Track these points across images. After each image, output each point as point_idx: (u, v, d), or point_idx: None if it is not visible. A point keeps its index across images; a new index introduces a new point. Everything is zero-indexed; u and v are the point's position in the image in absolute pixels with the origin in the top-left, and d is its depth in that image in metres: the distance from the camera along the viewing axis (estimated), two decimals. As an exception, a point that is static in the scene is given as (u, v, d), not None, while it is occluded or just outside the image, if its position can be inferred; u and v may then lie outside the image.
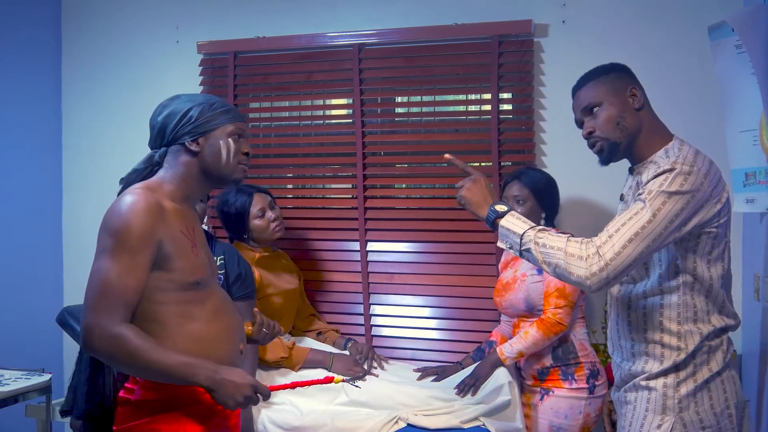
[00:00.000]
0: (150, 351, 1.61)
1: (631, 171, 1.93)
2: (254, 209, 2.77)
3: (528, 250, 1.76)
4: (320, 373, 2.62)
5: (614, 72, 1.89)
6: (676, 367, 1.80)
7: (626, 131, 1.86)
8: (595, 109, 1.87)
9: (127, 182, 1.81)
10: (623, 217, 1.71)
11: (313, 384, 1.90)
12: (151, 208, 1.66)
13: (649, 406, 1.82)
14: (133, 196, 1.66)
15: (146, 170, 1.82)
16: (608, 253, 1.67)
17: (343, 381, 1.91)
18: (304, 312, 2.98)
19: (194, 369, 1.64)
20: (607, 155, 1.89)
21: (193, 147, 1.77)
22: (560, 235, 1.75)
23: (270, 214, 2.79)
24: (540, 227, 1.78)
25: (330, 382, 1.87)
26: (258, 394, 1.70)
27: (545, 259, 1.73)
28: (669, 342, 1.81)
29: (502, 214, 1.80)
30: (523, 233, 1.77)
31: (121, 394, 1.76)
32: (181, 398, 1.71)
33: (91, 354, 1.66)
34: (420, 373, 2.71)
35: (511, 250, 1.81)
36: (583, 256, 1.69)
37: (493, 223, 1.81)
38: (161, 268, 1.68)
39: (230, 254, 2.58)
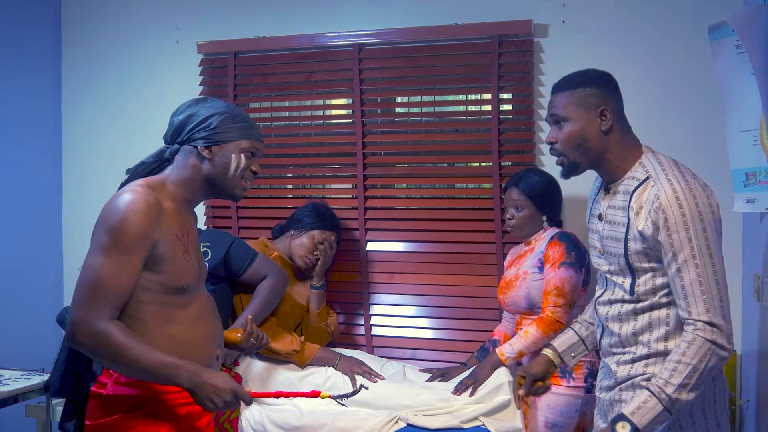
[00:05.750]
0: (133, 349, 1.62)
1: (607, 190, 1.90)
2: (317, 236, 2.81)
3: (681, 405, 1.70)
4: (320, 375, 2.63)
5: (592, 87, 1.85)
6: None
7: (586, 153, 1.85)
8: (561, 122, 1.86)
9: (133, 174, 1.82)
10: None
11: (297, 396, 1.88)
12: (150, 208, 1.66)
13: None
14: (132, 194, 1.67)
15: (155, 164, 1.82)
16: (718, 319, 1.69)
17: (330, 397, 1.85)
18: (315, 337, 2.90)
19: (176, 370, 1.65)
20: (566, 171, 1.90)
21: (205, 153, 1.78)
22: (677, 365, 1.70)
23: (317, 253, 2.82)
24: (654, 388, 1.71)
25: (316, 397, 1.83)
26: (238, 400, 1.70)
27: (697, 385, 1.69)
28: (674, 347, 1.80)
29: (632, 425, 1.70)
30: (657, 404, 1.69)
31: (93, 387, 1.77)
32: (153, 396, 1.72)
33: (75, 347, 1.67)
34: (427, 375, 2.71)
35: (665, 421, 1.73)
36: (703, 346, 1.68)
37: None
38: (151, 269, 1.69)
39: (213, 237, 2.64)
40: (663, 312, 1.81)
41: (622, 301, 1.87)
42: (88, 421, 1.76)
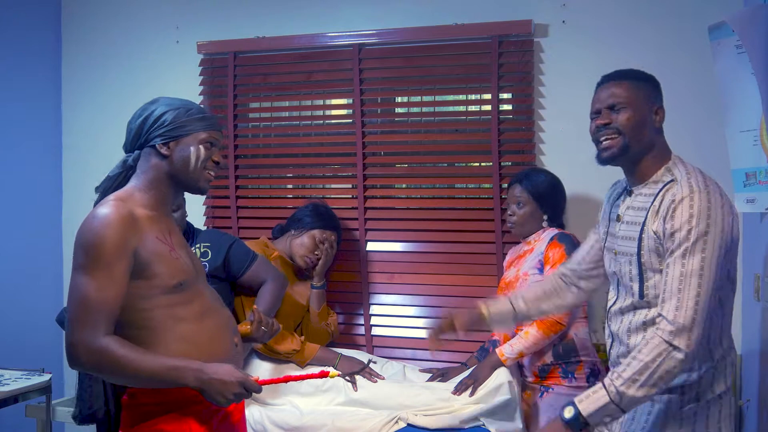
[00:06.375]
0: (135, 360, 1.62)
1: (630, 193, 1.87)
2: (318, 236, 2.81)
3: (630, 400, 1.68)
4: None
5: (648, 83, 1.85)
6: (682, 387, 1.78)
7: (641, 141, 1.80)
8: (620, 109, 1.80)
9: (103, 190, 1.82)
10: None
11: (306, 378, 1.87)
12: (122, 219, 1.65)
13: (650, 418, 1.82)
14: (104, 209, 1.67)
15: (120, 176, 1.82)
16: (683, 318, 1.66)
17: (338, 376, 1.85)
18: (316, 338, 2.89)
19: (181, 372, 1.65)
20: (614, 152, 1.81)
21: (164, 150, 1.76)
22: (631, 360, 1.68)
23: (317, 252, 2.82)
24: (606, 380, 1.70)
25: (325, 377, 1.84)
26: (247, 390, 1.69)
27: (648, 383, 1.66)
28: None
29: (576, 410, 1.70)
30: (605, 395, 1.68)
31: (124, 398, 1.77)
32: (183, 399, 1.72)
33: (78, 369, 1.68)
34: (427, 375, 2.71)
35: (618, 417, 1.74)
36: (659, 346, 1.66)
37: (579, 421, 1.70)
38: (141, 276, 1.68)
39: (213, 238, 2.65)
40: None
41: (633, 308, 1.84)
42: (122, 430, 1.76)
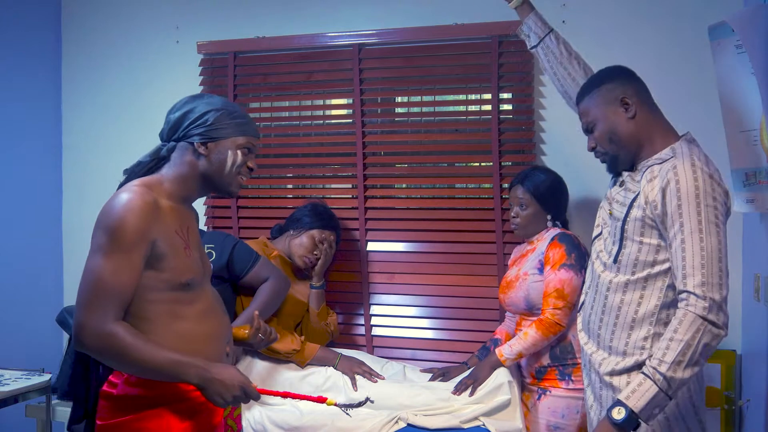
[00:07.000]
0: (141, 349, 1.63)
1: (632, 168, 1.92)
2: (317, 236, 2.81)
3: (678, 384, 1.65)
4: (320, 375, 2.63)
5: (606, 83, 1.90)
6: (639, 367, 1.78)
7: (621, 143, 1.88)
8: (593, 128, 1.92)
9: (130, 173, 1.82)
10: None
11: (304, 399, 1.88)
12: (146, 206, 1.66)
13: None
14: (129, 194, 1.67)
15: (151, 163, 1.82)
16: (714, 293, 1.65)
17: (335, 405, 1.84)
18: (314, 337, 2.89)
19: (185, 367, 1.65)
20: (609, 167, 1.95)
21: (201, 149, 1.78)
22: (669, 343, 1.66)
23: (317, 252, 2.82)
24: (648, 370, 1.67)
25: (322, 402, 1.84)
26: (246, 395, 1.71)
27: (692, 362, 1.64)
28: (635, 340, 1.81)
29: (627, 409, 1.65)
30: (652, 385, 1.64)
31: (104, 387, 1.77)
32: (165, 395, 1.72)
33: (82, 350, 1.67)
34: (428, 375, 2.71)
35: (664, 407, 1.69)
36: (695, 322, 1.64)
37: (632, 419, 1.65)
38: (153, 267, 1.69)
39: (217, 239, 2.65)
40: (636, 296, 1.81)
41: (604, 267, 1.90)
42: (99, 421, 1.76)
